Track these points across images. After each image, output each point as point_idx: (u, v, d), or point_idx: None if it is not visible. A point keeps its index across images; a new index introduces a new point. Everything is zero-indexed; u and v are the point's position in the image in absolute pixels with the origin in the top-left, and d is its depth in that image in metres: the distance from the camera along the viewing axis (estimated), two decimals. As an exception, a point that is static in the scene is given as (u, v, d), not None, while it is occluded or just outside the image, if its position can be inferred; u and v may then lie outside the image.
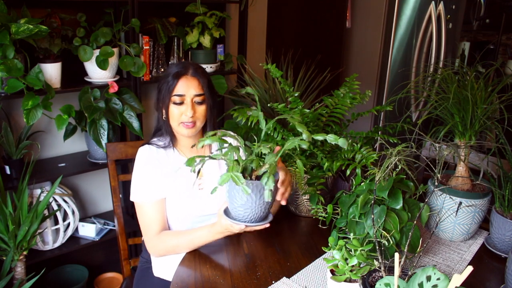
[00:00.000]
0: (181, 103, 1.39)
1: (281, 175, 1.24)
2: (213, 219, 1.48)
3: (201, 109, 1.42)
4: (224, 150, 1.17)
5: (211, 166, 1.51)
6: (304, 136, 1.12)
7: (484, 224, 1.44)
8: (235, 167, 1.10)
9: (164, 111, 1.43)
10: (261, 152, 1.17)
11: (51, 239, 2.11)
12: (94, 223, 2.28)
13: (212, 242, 1.37)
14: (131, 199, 1.44)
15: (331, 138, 1.11)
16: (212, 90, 1.45)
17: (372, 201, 1.14)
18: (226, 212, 1.25)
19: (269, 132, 1.64)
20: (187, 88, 1.39)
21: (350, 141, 1.56)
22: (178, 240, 1.38)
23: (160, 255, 1.45)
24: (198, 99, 1.41)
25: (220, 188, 1.46)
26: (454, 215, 1.37)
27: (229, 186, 1.18)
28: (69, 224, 2.15)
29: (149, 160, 1.44)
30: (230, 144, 1.18)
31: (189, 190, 1.45)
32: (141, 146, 1.48)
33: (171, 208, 1.45)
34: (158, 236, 1.41)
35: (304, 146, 1.14)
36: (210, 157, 1.16)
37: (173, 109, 1.40)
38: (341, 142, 1.10)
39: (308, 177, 1.53)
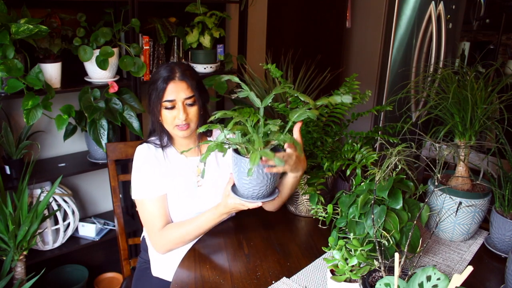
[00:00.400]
0: (172, 108, 1.39)
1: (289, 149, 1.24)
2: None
3: (193, 110, 1.41)
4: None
5: (209, 163, 1.51)
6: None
7: (484, 224, 1.44)
8: (257, 145, 1.09)
9: (157, 115, 1.42)
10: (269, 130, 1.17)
11: (51, 239, 2.12)
12: (94, 223, 2.28)
13: (212, 241, 1.37)
14: (132, 197, 1.44)
15: (335, 98, 1.11)
16: (202, 89, 1.45)
17: (372, 201, 1.14)
18: (234, 191, 1.25)
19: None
20: (177, 92, 1.38)
21: (350, 141, 1.56)
22: (183, 230, 1.38)
23: (167, 249, 1.43)
24: (188, 101, 1.40)
25: (217, 185, 1.47)
26: (454, 215, 1.37)
27: (237, 166, 1.18)
28: (69, 224, 2.15)
29: (147, 158, 1.44)
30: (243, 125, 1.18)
31: (188, 189, 1.45)
32: (139, 145, 1.48)
33: (170, 206, 1.46)
34: (162, 231, 1.41)
35: (311, 116, 1.14)
36: (226, 143, 1.16)
37: (166, 114, 1.40)
38: (346, 98, 1.10)
39: (308, 177, 1.53)
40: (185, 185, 1.44)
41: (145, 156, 1.44)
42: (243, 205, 1.24)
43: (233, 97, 1.29)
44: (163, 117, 1.41)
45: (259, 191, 1.20)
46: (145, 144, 1.47)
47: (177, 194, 1.44)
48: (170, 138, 1.49)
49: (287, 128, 1.18)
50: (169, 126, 1.42)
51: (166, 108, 1.39)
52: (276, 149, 1.23)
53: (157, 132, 1.48)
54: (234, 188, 1.27)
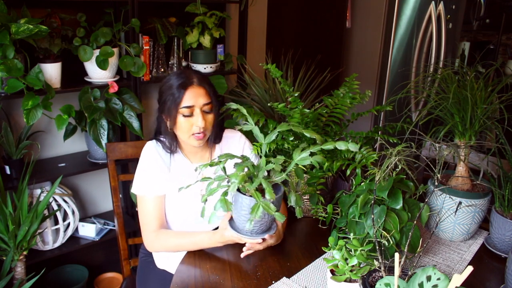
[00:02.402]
0: (190, 115, 1.35)
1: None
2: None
3: (210, 118, 1.39)
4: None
5: (213, 170, 1.51)
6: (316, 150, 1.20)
7: (484, 224, 1.44)
8: (268, 196, 1.12)
9: (169, 122, 1.39)
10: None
11: (51, 239, 2.11)
12: (94, 223, 2.28)
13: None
14: (132, 191, 1.46)
15: (341, 146, 1.17)
16: (217, 96, 1.43)
17: (372, 201, 1.14)
18: (232, 225, 1.27)
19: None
20: (196, 98, 1.35)
21: (350, 141, 1.56)
22: (177, 242, 1.40)
23: (156, 250, 1.47)
24: (206, 108, 1.37)
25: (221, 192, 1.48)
26: (454, 215, 1.37)
27: (237, 202, 1.20)
28: (69, 224, 2.15)
29: (154, 155, 1.45)
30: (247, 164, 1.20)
31: (192, 194, 1.45)
32: (149, 141, 1.48)
33: (173, 208, 1.46)
34: (156, 234, 1.42)
35: (315, 162, 1.19)
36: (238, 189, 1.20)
37: (182, 122, 1.36)
38: (352, 146, 1.15)
39: (308, 177, 1.53)
40: (189, 190, 1.44)
41: (153, 152, 1.45)
42: (240, 239, 1.26)
43: (237, 129, 1.37)
44: (178, 125, 1.37)
45: (259, 227, 1.22)
46: (154, 141, 1.46)
47: (180, 196, 1.44)
48: (178, 145, 1.47)
49: (288, 169, 1.20)
50: (185, 134, 1.38)
51: (184, 116, 1.35)
52: (276, 186, 1.25)
53: (166, 137, 1.45)
54: (231, 221, 1.28)
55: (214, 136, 1.46)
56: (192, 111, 1.35)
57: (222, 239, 1.30)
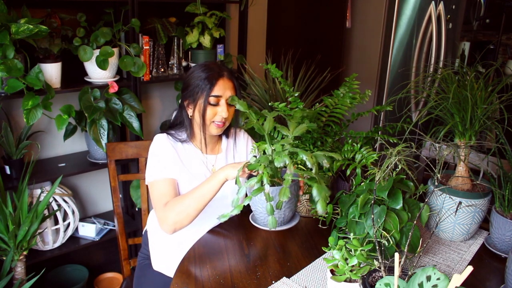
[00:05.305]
0: (216, 104, 1.44)
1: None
2: (224, 204, 1.51)
3: (232, 110, 1.48)
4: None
5: (223, 161, 1.57)
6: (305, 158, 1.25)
7: (484, 224, 1.44)
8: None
9: (191, 109, 1.47)
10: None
11: (51, 239, 2.12)
12: (94, 223, 2.28)
13: (212, 241, 1.37)
14: (146, 182, 1.47)
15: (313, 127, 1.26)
16: (240, 92, 1.52)
17: (372, 201, 1.14)
18: (255, 219, 1.36)
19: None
20: (224, 89, 1.44)
21: (350, 141, 1.56)
22: (184, 200, 1.36)
23: (174, 224, 1.36)
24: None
25: (229, 184, 1.50)
26: (454, 215, 1.37)
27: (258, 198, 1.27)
28: (69, 224, 2.15)
29: (164, 144, 1.47)
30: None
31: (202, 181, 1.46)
32: (159, 134, 1.51)
33: None
34: (166, 206, 1.38)
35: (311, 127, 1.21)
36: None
37: (207, 109, 1.44)
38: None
39: (308, 177, 1.53)
40: (199, 180, 1.45)
41: (163, 142, 1.48)
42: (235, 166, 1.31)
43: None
44: (202, 112, 1.44)
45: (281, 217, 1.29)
46: (164, 134, 1.51)
47: (190, 187, 1.45)
48: (192, 134, 1.53)
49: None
50: (207, 121, 1.46)
51: (210, 104, 1.44)
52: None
53: (183, 125, 1.52)
54: (254, 217, 1.40)
55: (226, 129, 1.56)
56: (218, 100, 1.45)
57: (221, 168, 1.35)
